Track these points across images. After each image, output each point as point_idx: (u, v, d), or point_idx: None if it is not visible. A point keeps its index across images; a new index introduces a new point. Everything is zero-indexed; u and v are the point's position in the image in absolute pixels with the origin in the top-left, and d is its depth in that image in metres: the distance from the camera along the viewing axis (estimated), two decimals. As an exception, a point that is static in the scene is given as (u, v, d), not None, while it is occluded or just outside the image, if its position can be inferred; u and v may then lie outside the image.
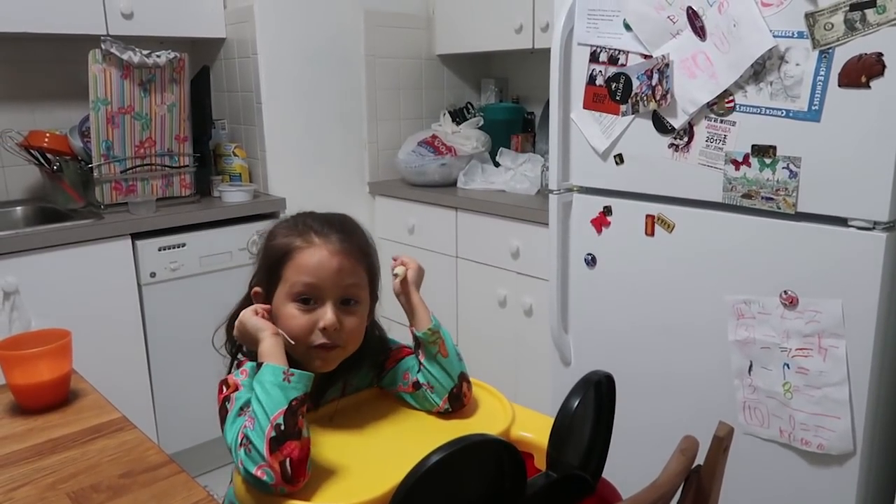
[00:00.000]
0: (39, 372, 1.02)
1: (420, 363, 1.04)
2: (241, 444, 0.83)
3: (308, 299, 0.95)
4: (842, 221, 1.38)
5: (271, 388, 0.84)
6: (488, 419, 1.04)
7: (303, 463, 0.82)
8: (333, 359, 0.97)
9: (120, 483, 0.85)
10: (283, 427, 0.81)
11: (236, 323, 0.95)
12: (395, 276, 1.06)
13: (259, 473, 0.80)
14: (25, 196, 2.39)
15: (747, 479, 1.59)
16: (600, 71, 1.70)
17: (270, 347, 0.90)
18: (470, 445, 0.74)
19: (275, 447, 0.80)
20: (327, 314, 0.94)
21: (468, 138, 2.60)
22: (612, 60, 1.67)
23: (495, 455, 0.80)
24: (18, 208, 2.29)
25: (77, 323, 1.84)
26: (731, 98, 1.48)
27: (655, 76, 1.58)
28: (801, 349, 1.45)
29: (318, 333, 0.95)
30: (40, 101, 2.37)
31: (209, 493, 0.83)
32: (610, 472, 0.97)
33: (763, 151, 1.45)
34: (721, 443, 0.86)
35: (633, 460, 1.32)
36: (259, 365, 0.89)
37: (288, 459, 0.81)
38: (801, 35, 1.35)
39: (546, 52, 1.79)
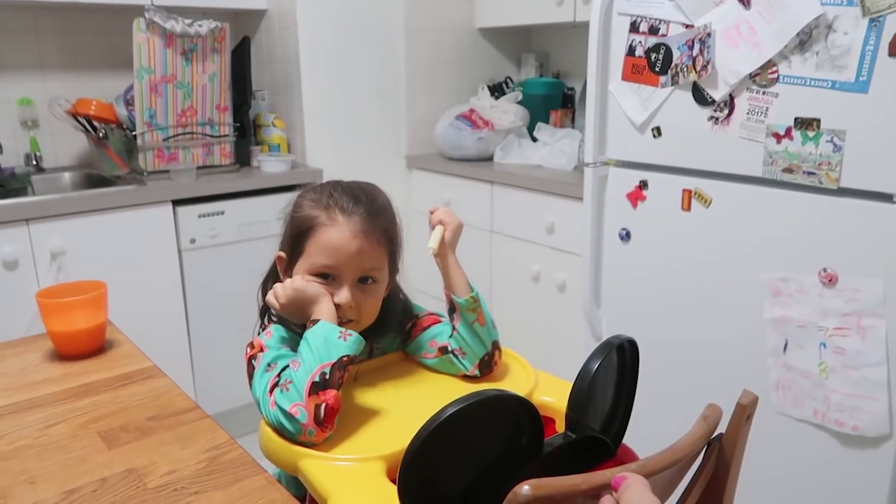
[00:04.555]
0: (76, 320, 1.06)
1: (454, 328, 1.04)
2: (275, 386, 0.86)
3: (327, 275, 0.97)
4: (887, 197, 1.33)
5: (325, 341, 0.88)
6: (511, 383, 1.04)
7: (334, 412, 0.85)
8: None
9: (147, 425, 0.88)
10: (327, 376, 0.85)
11: (289, 288, 0.94)
12: (431, 248, 1.03)
13: (293, 411, 0.83)
14: (73, 163, 2.47)
15: (779, 459, 1.56)
16: (640, 41, 1.67)
17: (329, 311, 0.92)
18: (486, 399, 0.75)
19: (314, 390, 0.84)
20: (343, 293, 0.96)
21: (506, 112, 2.58)
22: (653, 30, 1.64)
23: (512, 411, 0.80)
24: (66, 174, 2.36)
25: (119, 285, 1.89)
26: (774, 69, 1.43)
27: (696, 46, 1.54)
28: (838, 328, 1.41)
29: None
30: (88, 70, 2.43)
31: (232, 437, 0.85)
32: (635, 442, 0.96)
33: (806, 124, 1.40)
34: (744, 410, 0.84)
35: (659, 434, 1.31)
36: (311, 322, 0.90)
37: (324, 404, 0.84)
38: (850, 2, 1.30)
39: (588, 26, 1.76)
